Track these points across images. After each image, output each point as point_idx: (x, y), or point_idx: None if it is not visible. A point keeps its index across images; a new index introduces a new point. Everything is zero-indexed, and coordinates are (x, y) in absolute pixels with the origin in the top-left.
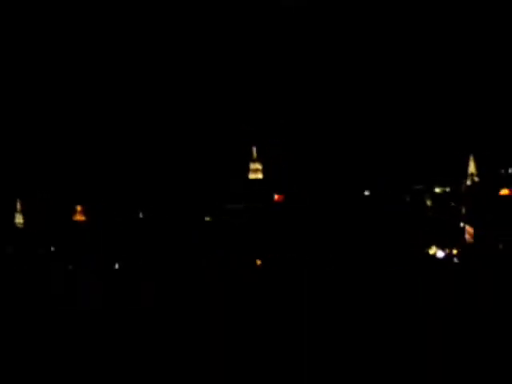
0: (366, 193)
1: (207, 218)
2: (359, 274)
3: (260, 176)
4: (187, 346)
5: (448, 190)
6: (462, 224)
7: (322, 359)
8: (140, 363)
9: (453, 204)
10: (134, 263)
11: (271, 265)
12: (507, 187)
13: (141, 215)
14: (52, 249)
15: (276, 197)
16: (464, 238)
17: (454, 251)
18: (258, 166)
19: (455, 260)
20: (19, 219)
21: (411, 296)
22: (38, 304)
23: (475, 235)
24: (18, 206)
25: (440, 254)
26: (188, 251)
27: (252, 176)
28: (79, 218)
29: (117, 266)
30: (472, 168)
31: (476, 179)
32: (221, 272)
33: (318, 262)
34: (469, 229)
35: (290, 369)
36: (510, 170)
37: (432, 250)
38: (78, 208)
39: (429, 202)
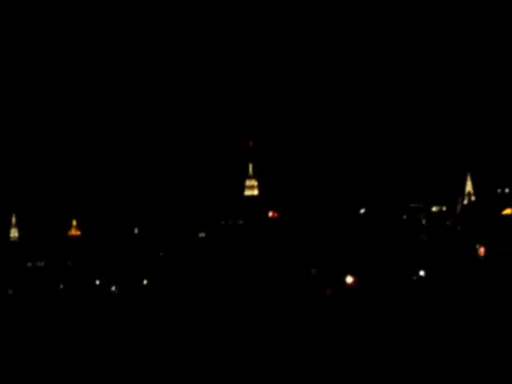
0: (362, 210)
1: (202, 234)
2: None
3: (256, 193)
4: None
5: (445, 208)
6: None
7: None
8: (139, 364)
9: (449, 223)
10: (130, 280)
11: (266, 279)
12: (507, 206)
13: (136, 231)
14: (45, 263)
15: (271, 213)
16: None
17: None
18: (253, 182)
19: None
20: (14, 233)
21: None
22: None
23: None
24: (13, 220)
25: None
26: (183, 266)
27: (248, 192)
28: (74, 232)
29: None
30: (469, 187)
31: (473, 198)
32: (217, 285)
33: (313, 278)
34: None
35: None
36: (506, 190)
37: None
38: (74, 222)
39: (425, 221)
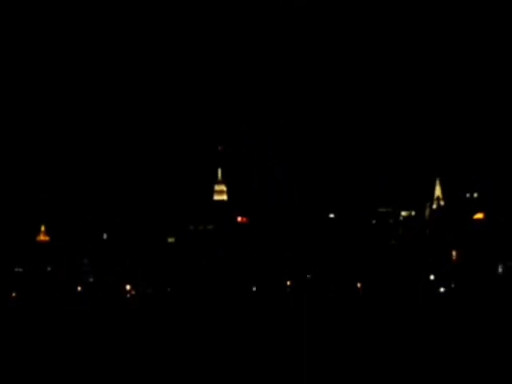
0: (331, 215)
1: (171, 239)
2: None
3: (225, 197)
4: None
5: (414, 213)
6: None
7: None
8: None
9: (419, 227)
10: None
11: (235, 284)
12: (475, 211)
13: (105, 236)
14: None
15: (240, 218)
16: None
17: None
18: (222, 187)
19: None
20: None
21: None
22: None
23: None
24: None
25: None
26: (152, 271)
27: (217, 197)
28: (43, 238)
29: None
30: (438, 191)
31: (442, 203)
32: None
33: (281, 282)
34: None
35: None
36: (475, 194)
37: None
38: (42, 228)
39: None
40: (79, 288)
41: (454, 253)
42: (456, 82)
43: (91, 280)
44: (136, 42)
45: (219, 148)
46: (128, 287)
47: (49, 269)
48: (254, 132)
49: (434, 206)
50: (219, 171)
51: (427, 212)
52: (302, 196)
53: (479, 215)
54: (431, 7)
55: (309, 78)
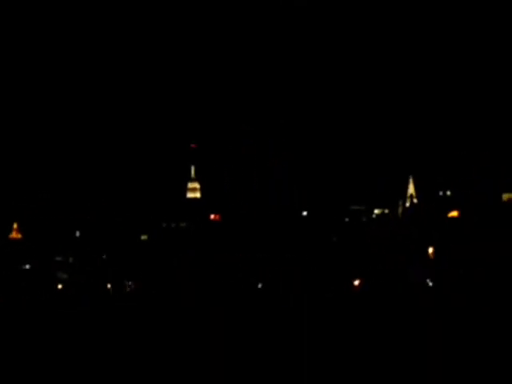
0: (304, 213)
1: (143, 237)
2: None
3: (198, 195)
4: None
5: (387, 211)
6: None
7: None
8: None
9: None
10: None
11: (208, 282)
12: (449, 209)
13: (77, 234)
14: None
15: (212, 216)
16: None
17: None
18: (196, 185)
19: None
20: None
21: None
22: None
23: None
24: None
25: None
26: (126, 269)
27: (190, 195)
28: (15, 235)
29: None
30: (411, 189)
31: (415, 200)
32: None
33: (254, 279)
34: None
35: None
36: (448, 192)
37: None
38: (15, 226)
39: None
40: (58, 286)
41: (429, 251)
42: (428, 79)
43: (64, 277)
44: (134, 41)
45: (192, 145)
46: (108, 285)
47: (24, 267)
48: (253, 132)
49: (408, 204)
50: (192, 169)
51: (400, 210)
52: (301, 196)
53: (454, 213)
54: (429, 6)
55: (309, 78)
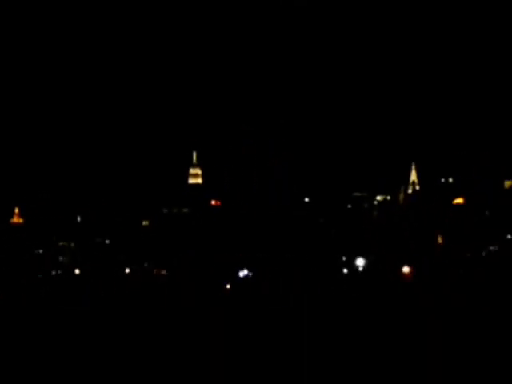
0: (306, 199)
1: (145, 222)
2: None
3: (200, 181)
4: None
5: (389, 197)
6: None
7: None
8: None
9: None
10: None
11: (208, 268)
12: (452, 196)
13: (79, 219)
14: None
15: (213, 202)
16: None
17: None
18: (197, 170)
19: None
20: None
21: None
22: None
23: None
24: None
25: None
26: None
27: (192, 181)
28: (17, 220)
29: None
30: (413, 176)
31: (417, 187)
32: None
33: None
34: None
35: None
36: (450, 179)
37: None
38: (16, 210)
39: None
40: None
41: (435, 237)
42: (429, 69)
43: (67, 262)
44: (134, 41)
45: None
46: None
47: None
48: (253, 132)
49: (410, 191)
50: (194, 155)
51: (401, 196)
52: (300, 194)
53: (459, 200)
54: (426, 5)
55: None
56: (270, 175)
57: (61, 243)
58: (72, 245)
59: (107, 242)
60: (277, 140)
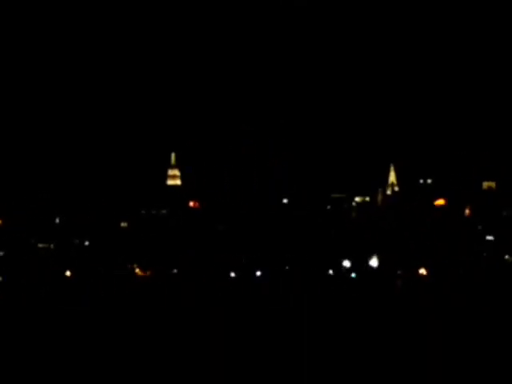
0: (285, 201)
1: (123, 224)
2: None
3: (178, 182)
4: None
5: (368, 199)
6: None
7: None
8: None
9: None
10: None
11: (187, 270)
12: (432, 197)
13: (57, 220)
14: None
15: (192, 203)
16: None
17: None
18: (176, 172)
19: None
20: None
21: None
22: None
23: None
24: None
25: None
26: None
27: (170, 182)
28: None
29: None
30: (392, 177)
31: (396, 188)
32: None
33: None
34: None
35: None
36: (428, 181)
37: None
38: None
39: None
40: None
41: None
42: (407, 70)
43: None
44: (133, 40)
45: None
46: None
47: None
48: (254, 132)
49: (388, 192)
50: (173, 156)
51: (380, 197)
52: (254, 181)
53: (440, 201)
54: (427, 5)
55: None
56: (270, 175)
57: (40, 245)
58: (51, 246)
59: (86, 243)
60: (277, 140)
